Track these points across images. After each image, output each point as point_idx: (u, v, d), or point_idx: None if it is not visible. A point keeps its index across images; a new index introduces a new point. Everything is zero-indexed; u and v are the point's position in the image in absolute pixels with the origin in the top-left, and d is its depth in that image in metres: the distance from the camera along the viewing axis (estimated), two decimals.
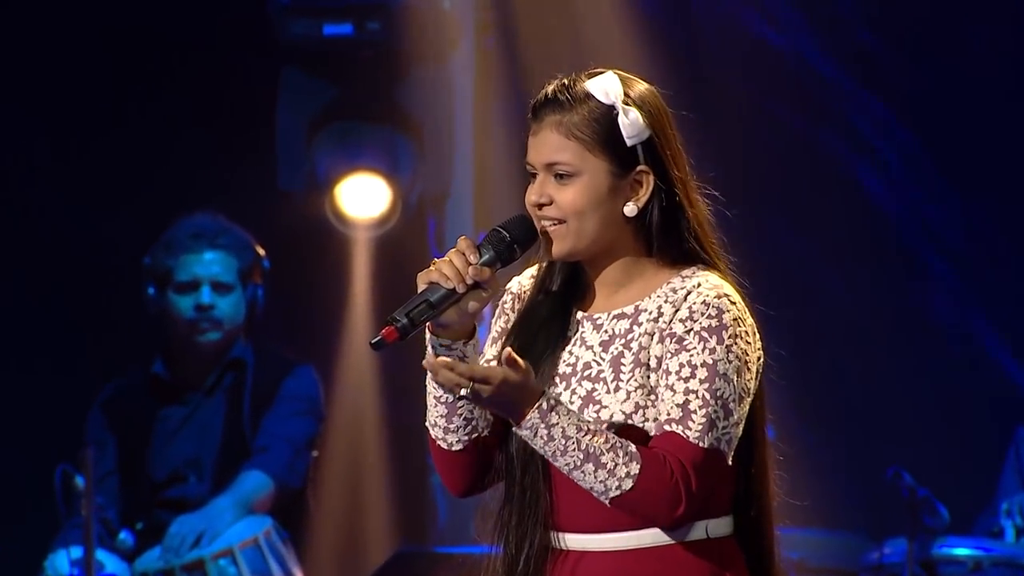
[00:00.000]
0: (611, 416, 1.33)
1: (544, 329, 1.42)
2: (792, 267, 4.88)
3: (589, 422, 1.29)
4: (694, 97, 4.71)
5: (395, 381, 4.88)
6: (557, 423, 1.25)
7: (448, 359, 1.29)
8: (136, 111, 4.85)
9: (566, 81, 1.39)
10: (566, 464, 1.26)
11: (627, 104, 1.36)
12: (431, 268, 1.33)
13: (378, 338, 1.29)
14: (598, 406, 1.34)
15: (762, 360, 1.39)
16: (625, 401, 1.33)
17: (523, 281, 1.50)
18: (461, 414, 1.38)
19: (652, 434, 1.32)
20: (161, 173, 4.80)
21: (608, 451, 1.26)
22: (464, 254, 1.32)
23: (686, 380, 1.30)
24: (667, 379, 1.32)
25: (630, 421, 1.33)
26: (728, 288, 1.37)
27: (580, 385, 1.37)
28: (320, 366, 4.42)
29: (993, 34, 4.97)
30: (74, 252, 4.84)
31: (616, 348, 1.37)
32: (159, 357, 4.14)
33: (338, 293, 4.85)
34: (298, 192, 4.93)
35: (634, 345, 1.36)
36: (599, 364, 1.37)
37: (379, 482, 4.94)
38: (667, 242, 1.39)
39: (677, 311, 1.34)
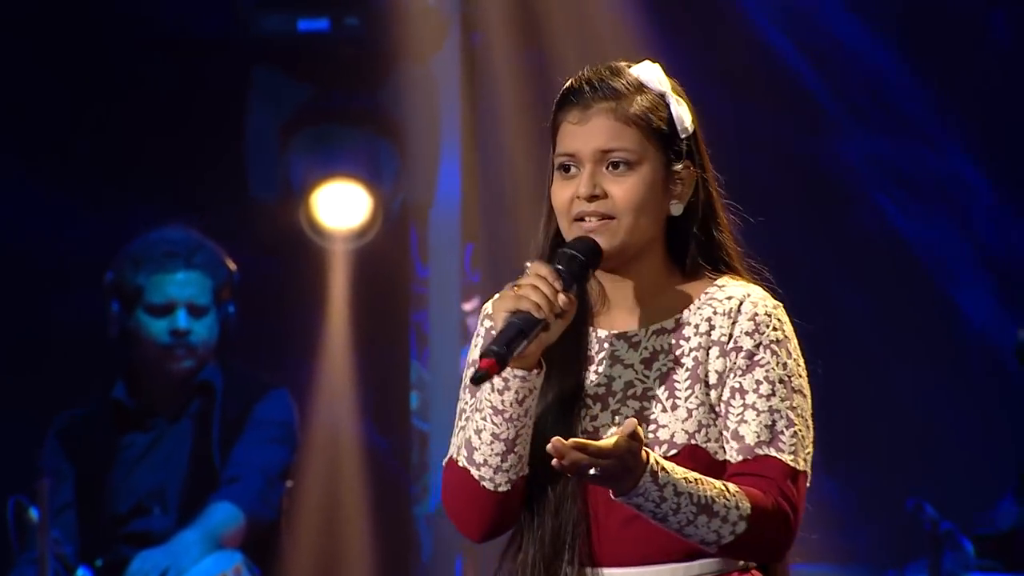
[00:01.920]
0: (672, 436, 1.31)
1: (560, 349, 1.36)
2: (805, 282, 4.81)
3: (687, 471, 1.24)
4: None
5: (375, 406, 4.86)
6: (668, 482, 1.21)
7: (579, 440, 1.21)
8: (96, 114, 4.78)
9: (607, 68, 1.37)
10: (678, 522, 1.22)
11: (676, 94, 1.37)
12: (514, 296, 1.29)
13: (480, 372, 1.25)
14: (654, 426, 1.31)
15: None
16: (687, 419, 1.31)
17: None
18: (518, 452, 1.34)
19: (720, 456, 1.31)
20: (122, 182, 4.72)
21: (718, 497, 1.23)
22: (547, 280, 1.28)
23: (768, 398, 1.29)
24: (745, 398, 1.30)
25: (693, 441, 1.30)
26: (773, 299, 1.37)
27: (624, 405, 1.34)
28: (295, 389, 4.38)
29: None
30: (27, 266, 4.72)
31: (664, 364, 1.34)
32: (121, 380, 4.09)
33: (314, 310, 4.77)
34: (271, 201, 4.86)
35: (686, 360, 1.33)
36: (644, 382, 1.34)
37: (358, 514, 4.83)
38: (702, 248, 1.38)
39: (735, 323, 1.32)
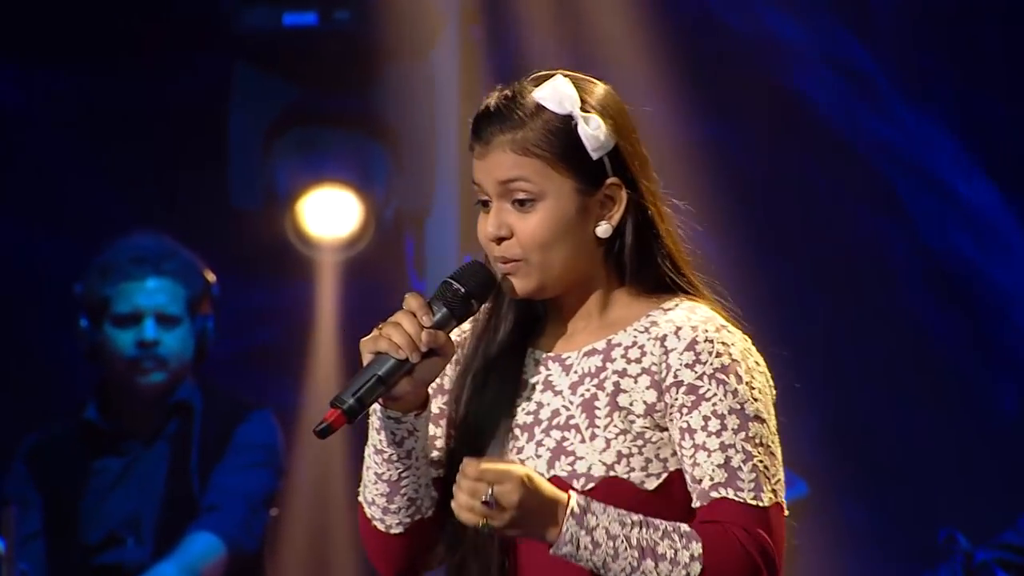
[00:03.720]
0: (588, 468, 1.28)
1: (496, 374, 1.37)
2: (820, 305, 4.90)
3: (627, 512, 1.22)
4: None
5: (367, 430, 4.70)
6: (597, 524, 1.19)
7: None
8: (65, 115, 4.72)
9: (509, 92, 1.35)
10: (622, 569, 1.21)
11: (586, 111, 1.33)
12: (376, 334, 1.27)
13: (323, 425, 1.23)
14: (571, 458, 1.29)
15: (774, 389, 1.35)
16: (605, 450, 1.28)
17: (463, 325, 1.41)
18: (405, 494, 1.34)
19: (648, 485, 1.28)
20: (95, 187, 4.68)
21: (663, 539, 1.21)
22: (415, 315, 1.28)
23: (717, 434, 1.25)
24: (694, 438, 1.26)
25: (612, 473, 1.27)
26: (720, 318, 1.33)
27: (548, 436, 1.32)
28: (280, 411, 4.29)
29: None
30: None
31: (587, 389, 1.32)
32: (92, 401, 4.00)
33: (301, 326, 4.72)
34: (254, 209, 4.80)
35: (608, 385, 1.31)
36: (568, 409, 1.32)
37: (347, 545, 4.71)
38: (641, 266, 1.35)
39: (671, 352, 1.29)
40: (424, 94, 4.72)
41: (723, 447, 1.25)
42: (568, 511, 1.19)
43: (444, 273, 1.40)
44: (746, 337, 1.35)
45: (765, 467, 1.26)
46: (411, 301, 1.29)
